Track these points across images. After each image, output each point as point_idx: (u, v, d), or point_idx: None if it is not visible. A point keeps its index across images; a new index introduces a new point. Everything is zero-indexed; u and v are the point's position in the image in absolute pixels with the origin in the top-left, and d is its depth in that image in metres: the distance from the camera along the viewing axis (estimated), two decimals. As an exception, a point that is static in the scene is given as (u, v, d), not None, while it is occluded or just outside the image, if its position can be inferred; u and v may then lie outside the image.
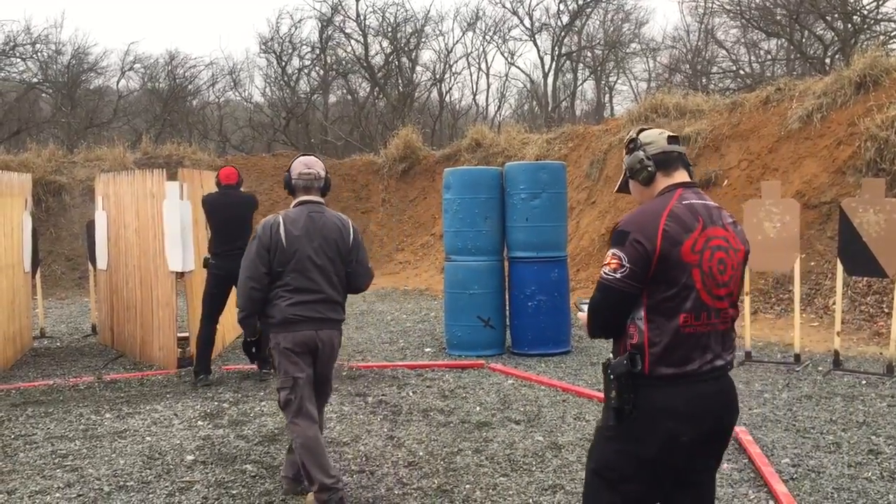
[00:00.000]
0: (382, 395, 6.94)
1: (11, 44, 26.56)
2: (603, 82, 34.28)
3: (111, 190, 9.23)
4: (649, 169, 2.78)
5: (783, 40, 26.27)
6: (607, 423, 2.65)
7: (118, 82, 29.66)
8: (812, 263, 10.15)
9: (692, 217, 2.63)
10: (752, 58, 28.95)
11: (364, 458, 5.21)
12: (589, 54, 33.19)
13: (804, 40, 25.39)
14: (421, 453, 5.29)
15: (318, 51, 30.54)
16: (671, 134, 2.83)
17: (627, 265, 2.58)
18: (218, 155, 22.58)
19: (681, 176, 2.79)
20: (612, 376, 2.62)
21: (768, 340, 9.11)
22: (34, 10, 54.92)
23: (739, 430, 5.54)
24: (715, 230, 2.65)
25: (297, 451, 4.31)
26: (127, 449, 5.46)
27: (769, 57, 28.51)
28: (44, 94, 28.81)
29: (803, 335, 8.57)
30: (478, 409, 6.39)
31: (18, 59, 27.17)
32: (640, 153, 2.79)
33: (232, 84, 31.88)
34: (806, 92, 12.69)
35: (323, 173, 4.50)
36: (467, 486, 4.68)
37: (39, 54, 27.53)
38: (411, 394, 6.97)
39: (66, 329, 11.27)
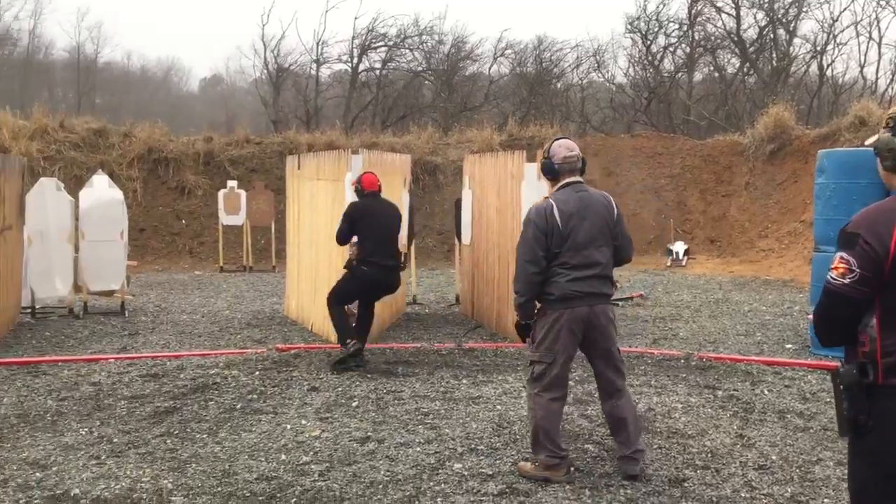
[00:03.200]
0: (734, 389, 6.57)
1: (402, 36, 29.58)
2: None
3: (476, 170, 9.85)
4: None
5: None
6: (846, 437, 2.50)
7: (490, 68, 31.53)
8: None
9: None
10: None
11: (710, 455, 4.98)
12: None
13: None
14: (774, 457, 4.92)
15: (685, 27, 29.64)
16: None
17: (857, 269, 2.40)
18: (578, 136, 23.01)
19: None
20: (841, 386, 2.46)
21: None
22: (422, 5, 60.38)
23: None
24: None
25: (536, 422, 4.51)
26: (479, 415, 5.81)
27: None
28: (426, 82, 31.58)
29: None
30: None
31: (407, 50, 30.17)
32: None
33: (595, 65, 32.18)
34: None
35: (580, 154, 4.65)
36: (825, 500, 4.26)
37: (425, 45, 30.27)
38: (766, 392, 6.51)
39: (433, 297, 12.31)
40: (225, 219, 15.97)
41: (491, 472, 4.66)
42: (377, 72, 29.97)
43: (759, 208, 18.12)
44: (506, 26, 61.20)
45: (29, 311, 9.76)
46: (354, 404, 6.08)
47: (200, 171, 18.48)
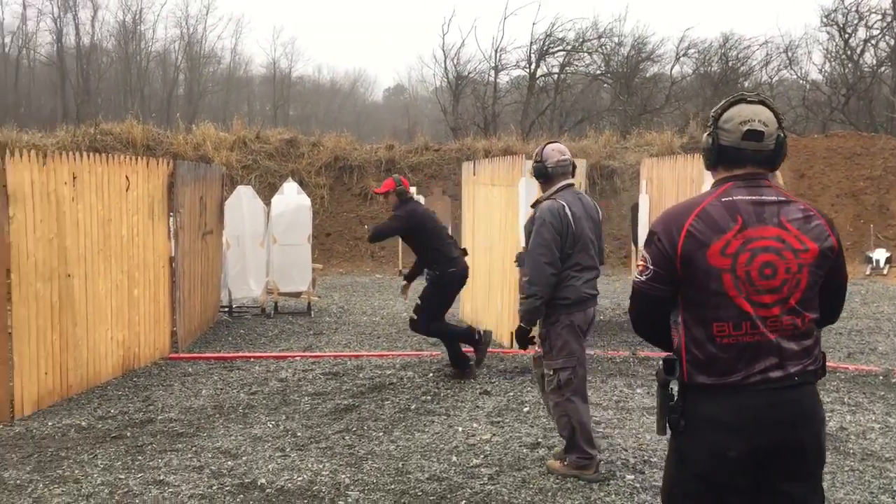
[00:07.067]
0: (941, 412, 5.99)
1: (580, 40, 29.29)
2: None
3: (654, 174, 9.59)
4: (709, 159, 2.53)
5: None
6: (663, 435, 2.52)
7: (672, 69, 30.57)
8: None
9: (727, 216, 2.39)
10: None
11: (910, 482, 4.58)
12: None
13: None
14: None
15: (889, 18, 27.38)
16: (752, 128, 2.43)
17: (651, 267, 2.46)
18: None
19: (748, 170, 2.48)
20: (657, 384, 2.49)
21: None
22: (601, 8, 59.64)
23: None
24: (762, 230, 2.38)
25: (573, 427, 4.58)
26: (654, 426, 5.64)
27: None
28: (605, 85, 31.09)
29: None
30: None
31: (585, 54, 29.84)
32: (710, 138, 2.51)
33: (787, 62, 30.39)
34: None
35: (571, 158, 4.80)
36: None
37: (603, 48, 29.82)
38: (980, 416, 5.88)
39: (608, 304, 12.06)
40: (404, 224, 16.44)
41: (664, 487, 4.52)
42: (555, 76, 29.87)
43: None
44: (689, 25, 59.16)
45: (227, 309, 10.52)
46: (525, 410, 6.08)
47: (382, 178, 19.13)
